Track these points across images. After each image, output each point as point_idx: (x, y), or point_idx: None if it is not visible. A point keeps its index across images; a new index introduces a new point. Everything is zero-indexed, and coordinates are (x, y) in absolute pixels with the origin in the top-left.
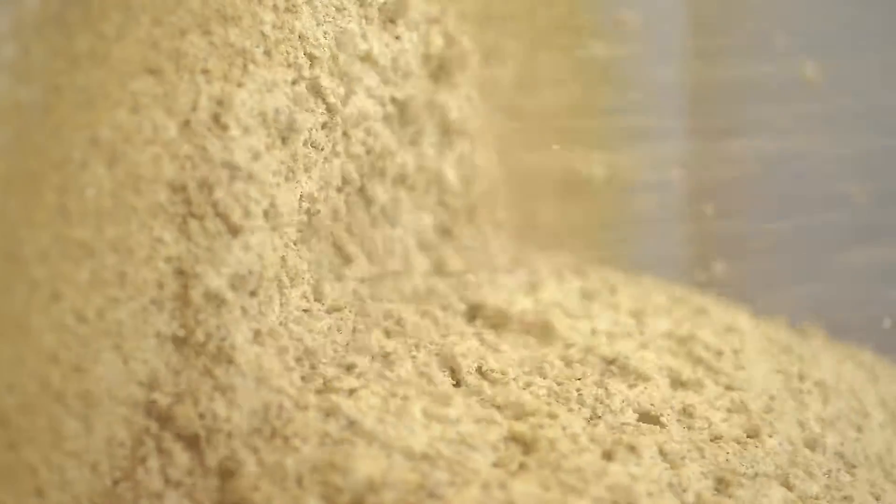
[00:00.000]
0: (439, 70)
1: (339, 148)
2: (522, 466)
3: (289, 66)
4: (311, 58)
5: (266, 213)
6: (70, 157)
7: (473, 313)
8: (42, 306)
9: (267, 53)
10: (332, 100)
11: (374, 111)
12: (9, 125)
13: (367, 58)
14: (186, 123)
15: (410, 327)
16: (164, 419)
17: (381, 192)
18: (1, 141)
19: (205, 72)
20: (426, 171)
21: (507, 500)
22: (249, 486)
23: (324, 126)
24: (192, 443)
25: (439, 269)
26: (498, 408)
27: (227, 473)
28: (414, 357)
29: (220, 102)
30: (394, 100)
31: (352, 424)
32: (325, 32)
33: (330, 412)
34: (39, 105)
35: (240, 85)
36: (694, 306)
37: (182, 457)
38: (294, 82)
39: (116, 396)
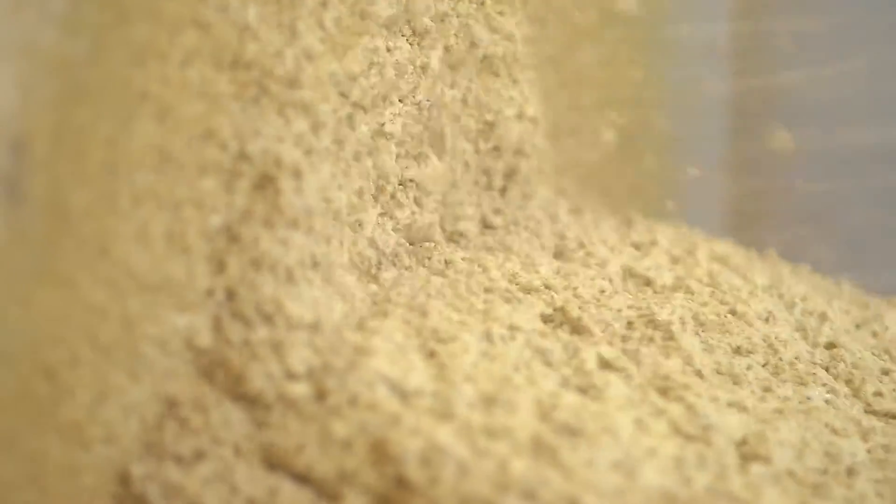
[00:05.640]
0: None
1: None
2: None
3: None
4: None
5: (319, 160)
6: (118, 111)
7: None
8: (90, 261)
9: (322, 4)
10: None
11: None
12: (57, 79)
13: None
14: (235, 78)
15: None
16: (211, 375)
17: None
18: (49, 94)
19: (253, 26)
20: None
21: None
22: (293, 448)
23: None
24: (237, 400)
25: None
26: None
27: (271, 433)
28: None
29: (269, 57)
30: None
31: (403, 392)
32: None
33: (382, 378)
34: (88, 59)
35: (289, 40)
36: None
37: (227, 414)
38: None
39: (164, 351)
